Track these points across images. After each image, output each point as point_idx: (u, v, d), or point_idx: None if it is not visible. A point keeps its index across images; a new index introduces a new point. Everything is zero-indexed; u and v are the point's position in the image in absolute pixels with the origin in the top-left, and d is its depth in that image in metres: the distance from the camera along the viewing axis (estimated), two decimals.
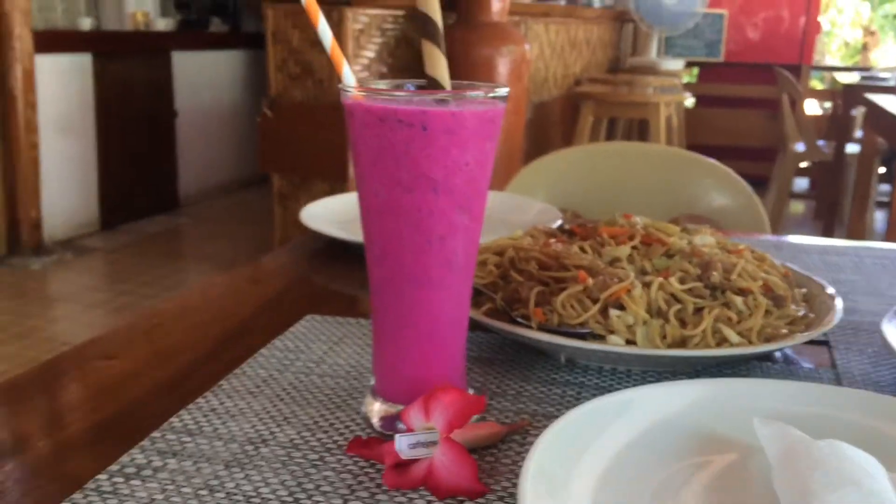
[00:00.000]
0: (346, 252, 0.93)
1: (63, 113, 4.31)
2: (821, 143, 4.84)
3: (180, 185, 5.17)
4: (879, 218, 5.06)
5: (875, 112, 3.41)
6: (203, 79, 5.29)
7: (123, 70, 4.65)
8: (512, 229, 0.96)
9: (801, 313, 0.66)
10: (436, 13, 0.50)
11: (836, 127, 4.79)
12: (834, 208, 4.61)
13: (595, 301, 0.63)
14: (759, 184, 1.51)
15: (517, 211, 1.05)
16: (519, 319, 0.64)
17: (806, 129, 4.74)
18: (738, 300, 0.63)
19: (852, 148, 4.61)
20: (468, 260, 0.52)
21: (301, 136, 3.27)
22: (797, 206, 5.79)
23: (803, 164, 5.18)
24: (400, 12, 3.37)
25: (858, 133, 4.99)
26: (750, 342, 0.60)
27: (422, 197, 0.49)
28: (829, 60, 7.33)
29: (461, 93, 0.49)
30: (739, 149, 5.74)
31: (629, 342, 0.60)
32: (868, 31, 7.52)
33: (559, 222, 1.00)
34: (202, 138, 5.32)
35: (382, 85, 0.52)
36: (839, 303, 0.66)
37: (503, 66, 3.09)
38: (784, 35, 6.03)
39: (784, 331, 0.62)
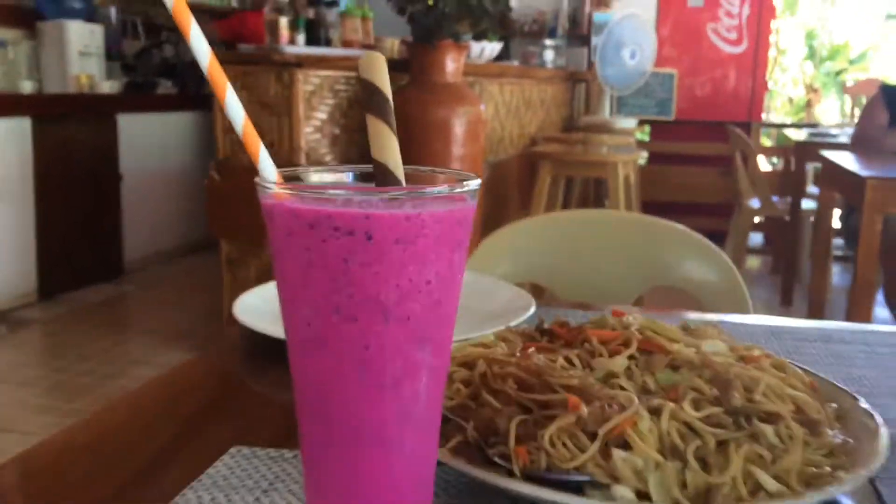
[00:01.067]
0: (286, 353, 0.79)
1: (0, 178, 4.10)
2: (775, 198, 4.85)
3: (125, 250, 4.96)
4: (836, 271, 5.07)
5: (830, 169, 3.40)
6: (150, 141, 5.13)
7: (65, 133, 4.47)
8: (480, 321, 0.84)
9: (837, 439, 0.54)
10: (383, 82, 0.38)
11: (790, 183, 4.81)
12: (791, 264, 4.59)
13: (592, 436, 0.50)
14: (715, 239, 1.41)
15: (486, 297, 0.93)
16: (496, 459, 0.51)
17: (760, 185, 4.76)
18: (769, 431, 0.50)
19: (807, 203, 4.62)
20: (432, 409, 0.39)
21: (250, 199, 3.12)
22: (753, 262, 5.79)
23: (757, 220, 5.19)
24: (352, 73, 3.28)
25: (811, 188, 5.03)
26: (789, 488, 0.48)
27: (368, 328, 0.36)
28: (775, 117, 7.47)
29: (419, 189, 0.37)
30: (694, 205, 5.75)
31: (640, 495, 0.47)
32: (811, 89, 7.71)
33: (533, 310, 0.87)
34: (148, 202, 5.13)
35: (314, 177, 0.39)
36: (884, 431, 0.54)
37: (459, 127, 3.01)
38: (732, 94, 6.12)
39: (826, 468, 0.50)
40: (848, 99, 7.22)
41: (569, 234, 1.46)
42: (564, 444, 0.50)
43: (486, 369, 0.57)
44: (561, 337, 0.63)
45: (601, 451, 0.49)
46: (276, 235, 0.36)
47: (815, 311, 3.47)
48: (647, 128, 6.23)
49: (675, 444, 0.49)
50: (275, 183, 0.36)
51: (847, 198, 3.30)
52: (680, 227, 1.36)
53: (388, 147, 0.38)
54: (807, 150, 4.52)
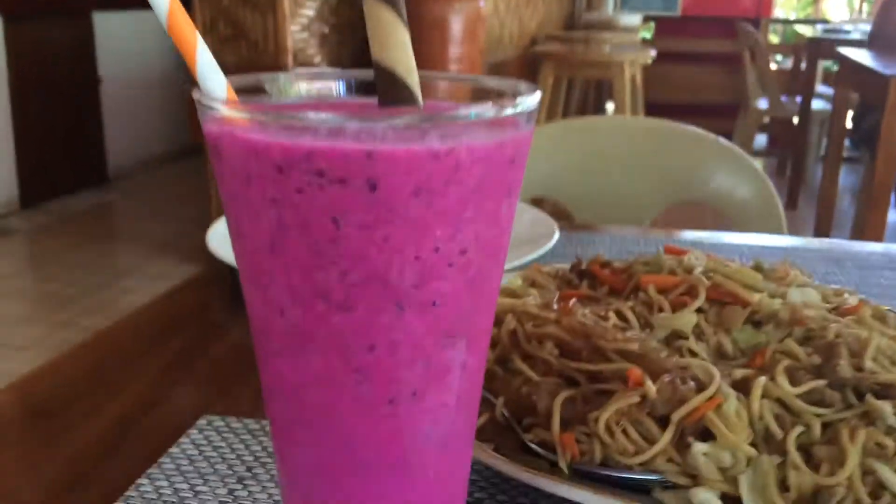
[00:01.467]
0: None
1: None
2: (783, 98, 4.67)
3: (109, 157, 4.78)
4: (841, 173, 4.94)
5: (848, 67, 3.22)
6: (128, 42, 4.86)
7: (39, 34, 4.23)
8: None
9: None
10: None
11: (799, 82, 4.62)
12: (798, 166, 4.46)
13: (662, 421, 0.38)
14: None
15: None
16: (535, 447, 0.40)
17: (769, 84, 4.56)
18: (888, 409, 0.39)
19: (817, 104, 4.45)
20: (466, 423, 0.27)
21: None
22: (757, 164, 5.64)
23: (765, 121, 5.02)
24: None
25: (820, 88, 4.83)
26: None
27: (373, 320, 0.24)
28: (780, 14, 7.15)
29: (449, 110, 0.23)
30: (698, 105, 5.54)
31: (726, 499, 0.36)
32: None
33: (556, 237, 0.75)
34: (131, 107, 4.91)
35: (287, 87, 0.26)
36: None
37: (456, 25, 2.80)
38: None
39: None
40: None
41: (582, 144, 1.32)
42: (625, 432, 0.38)
43: (517, 327, 0.46)
44: (605, 281, 0.51)
45: (675, 441, 0.38)
46: (227, 182, 0.24)
47: (825, 214, 3.37)
48: (651, 25, 5.96)
49: (772, 430, 0.38)
50: (223, 101, 0.23)
51: (866, 97, 3.14)
52: (710, 135, 1.22)
53: (397, 45, 0.25)
54: (819, 48, 4.30)
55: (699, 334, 0.45)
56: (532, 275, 0.55)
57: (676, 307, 0.46)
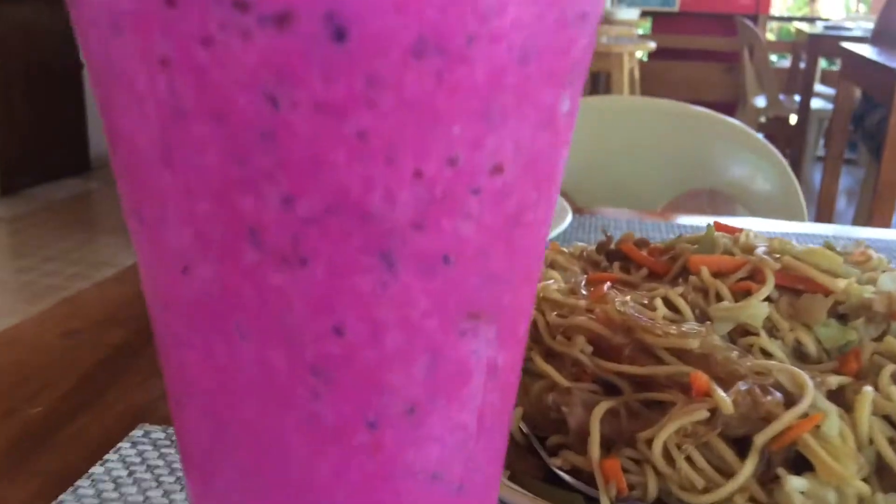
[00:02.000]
0: None
1: None
2: (781, 97, 4.59)
3: (91, 145, 4.65)
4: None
5: (852, 63, 3.14)
6: None
7: (21, 16, 4.11)
8: None
9: None
10: None
11: (802, 79, 4.54)
12: (796, 166, 4.38)
13: (738, 444, 0.29)
14: None
15: None
16: (564, 475, 0.30)
17: (768, 81, 4.48)
18: None
19: (815, 103, 4.37)
20: (493, 458, 0.17)
21: None
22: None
23: (762, 119, 4.94)
24: None
25: (818, 87, 4.75)
26: None
27: (338, 281, 0.14)
28: (776, 12, 7.08)
29: None
30: (696, 102, 5.45)
31: None
32: None
33: (569, 220, 0.65)
34: None
35: None
36: None
37: None
38: None
39: None
40: None
41: (591, 125, 1.22)
42: (690, 459, 0.28)
43: (540, 317, 0.36)
44: (643, 263, 0.41)
45: (758, 473, 0.28)
46: (91, 40, 0.14)
47: (824, 214, 3.29)
48: (648, 20, 5.88)
49: (888, 459, 0.28)
50: None
51: (871, 93, 3.06)
52: (729, 119, 1.13)
53: None
54: (821, 44, 4.22)
55: (771, 329, 0.35)
56: (550, 255, 0.45)
57: (738, 295, 0.36)
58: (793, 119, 4.58)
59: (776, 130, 5.16)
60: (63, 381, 0.44)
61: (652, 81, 5.33)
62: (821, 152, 4.67)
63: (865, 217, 2.87)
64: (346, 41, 0.12)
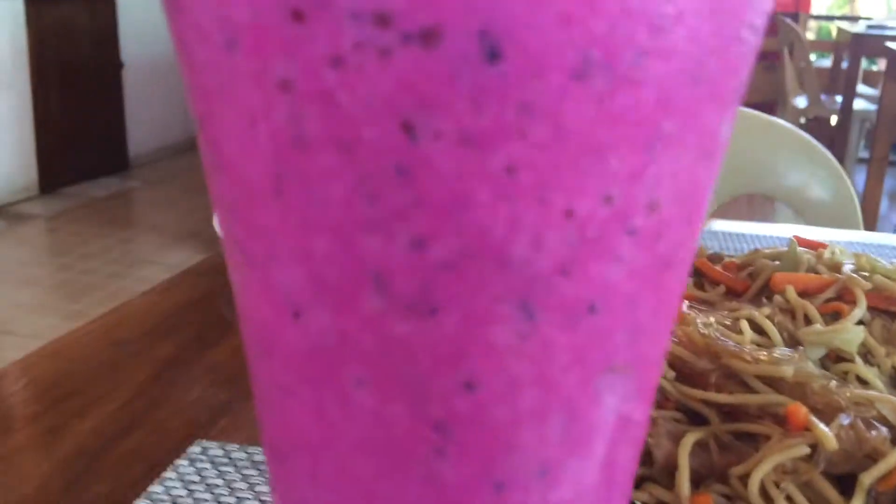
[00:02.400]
0: None
1: None
2: (823, 97, 4.50)
3: (130, 143, 4.71)
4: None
5: None
6: (152, 27, 4.79)
7: (61, 14, 4.16)
8: None
9: None
10: None
11: (844, 79, 4.44)
12: None
13: (842, 483, 0.27)
14: None
15: None
16: None
17: (809, 81, 4.40)
18: None
19: (858, 103, 4.27)
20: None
21: None
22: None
23: (802, 120, 4.85)
24: None
25: (860, 87, 4.65)
26: None
27: (472, 332, 0.12)
28: (815, 12, 6.95)
29: None
30: None
31: None
32: None
33: None
34: (153, 92, 4.83)
35: None
36: None
37: None
38: None
39: None
40: None
41: None
42: (790, 499, 0.26)
43: None
44: (719, 280, 0.39)
45: None
46: (196, 54, 0.12)
47: (870, 217, 3.21)
48: None
49: None
50: None
51: None
52: (785, 124, 1.09)
53: None
54: (864, 44, 4.12)
55: (865, 355, 0.33)
56: None
57: (826, 317, 0.34)
58: (833, 120, 4.49)
59: (817, 131, 5.07)
60: (114, 394, 0.43)
61: None
62: (862, 154, 4.57)
63: None
64: (500, 62, 0.10)
